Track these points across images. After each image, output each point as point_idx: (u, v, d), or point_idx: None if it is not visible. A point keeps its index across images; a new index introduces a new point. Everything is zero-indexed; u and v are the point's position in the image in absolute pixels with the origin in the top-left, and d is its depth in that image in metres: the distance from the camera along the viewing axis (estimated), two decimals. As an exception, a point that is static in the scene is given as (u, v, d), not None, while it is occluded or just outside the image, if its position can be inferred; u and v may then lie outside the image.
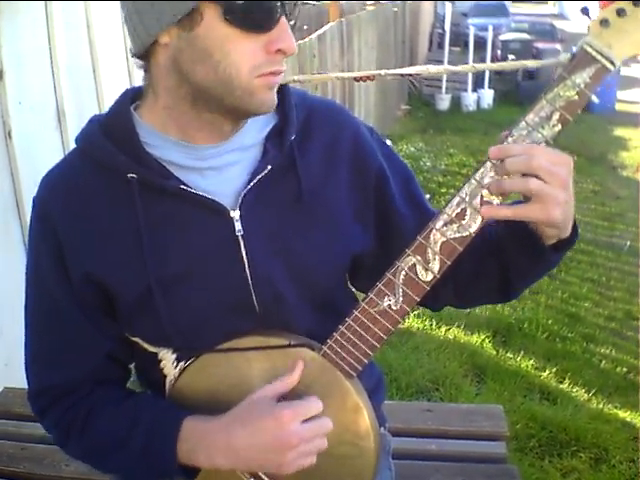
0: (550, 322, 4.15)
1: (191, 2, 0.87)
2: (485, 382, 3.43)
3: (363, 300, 0.96)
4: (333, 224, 1.05)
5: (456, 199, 0.92)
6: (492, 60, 11.20)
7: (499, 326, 4.04)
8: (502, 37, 13.80)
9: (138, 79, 1.01)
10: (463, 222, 0.92)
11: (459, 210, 0.92)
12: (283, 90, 1.02)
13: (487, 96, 11.18)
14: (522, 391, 3.36)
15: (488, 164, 0.90)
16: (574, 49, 0.91)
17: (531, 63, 4.90)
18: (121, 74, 3.62)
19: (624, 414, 3.20)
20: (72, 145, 1.04)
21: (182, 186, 0.97)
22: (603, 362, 3.75)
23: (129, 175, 0.96)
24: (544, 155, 0.86)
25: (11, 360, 2.65)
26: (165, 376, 1.04)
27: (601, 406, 3.26)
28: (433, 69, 3.18)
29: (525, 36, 14.06)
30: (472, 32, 10.75)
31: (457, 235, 0.92)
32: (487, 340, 3.87)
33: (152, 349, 1.04)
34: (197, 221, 0.98)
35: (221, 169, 1.00)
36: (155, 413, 1.01)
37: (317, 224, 1.04)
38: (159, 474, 1.01)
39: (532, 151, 0.87)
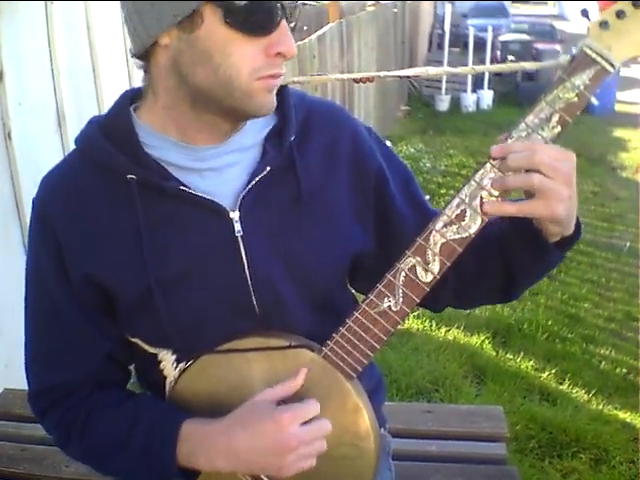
0: (550, 323, 4.14)
1: (191, 3, 0.87)
2: (485, 383, 3.43)
3: (363, 301, 0.96)
4: (333, 225, 1.05)
5: (456, 200, 0.92)
6: (492, 61, 11.18)
7: (499, 327, 4.04)
8: (502, 38, 13.77)
9: (138, 80, 1.01)
10: (463, 223, 0.92)
11: (459, 211, 0.92)
12: (282, 91, 1.02)
13: (487, 97, 11.17)
14: (522, 392, 3.35)
15: (488, 165, 0.90)
16: (574, 50, 0.91)
17: (530, 65, 4.88)
18: (121, 75, 3.62)
19: (624, 415, 3.20)
20: (72, 146, 1.04)
21: (181, 187, 0.97)
22: (603, 363, 3.75)
23: (128, 176, 0.96)
24: (546, 151, 0.86)
25: (11, 361, 2.64)
26: (165, 377, 1.04)
27: (601, 407, 3.26)
28: (432, 71, 3.17)
29: (525, 37, 14.02)
30: (472, 33, 10.72)
31: (457, 236, 0.92)
32: (487, 341, 3.86)
33: (152, 350, 1.04)
34: (197, 222, 0.98)
35: (220, 170, 1.00)
36: (155, 415, 1.01)
37: (317, 225, 1.03)
38: (159, 476, 1.01)
39: (534, 147, 0.87)
